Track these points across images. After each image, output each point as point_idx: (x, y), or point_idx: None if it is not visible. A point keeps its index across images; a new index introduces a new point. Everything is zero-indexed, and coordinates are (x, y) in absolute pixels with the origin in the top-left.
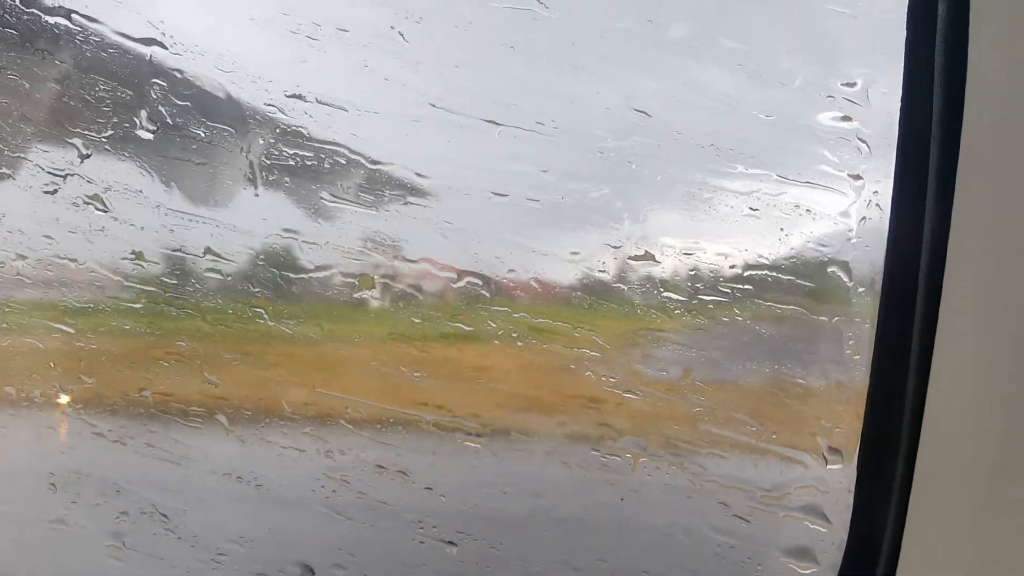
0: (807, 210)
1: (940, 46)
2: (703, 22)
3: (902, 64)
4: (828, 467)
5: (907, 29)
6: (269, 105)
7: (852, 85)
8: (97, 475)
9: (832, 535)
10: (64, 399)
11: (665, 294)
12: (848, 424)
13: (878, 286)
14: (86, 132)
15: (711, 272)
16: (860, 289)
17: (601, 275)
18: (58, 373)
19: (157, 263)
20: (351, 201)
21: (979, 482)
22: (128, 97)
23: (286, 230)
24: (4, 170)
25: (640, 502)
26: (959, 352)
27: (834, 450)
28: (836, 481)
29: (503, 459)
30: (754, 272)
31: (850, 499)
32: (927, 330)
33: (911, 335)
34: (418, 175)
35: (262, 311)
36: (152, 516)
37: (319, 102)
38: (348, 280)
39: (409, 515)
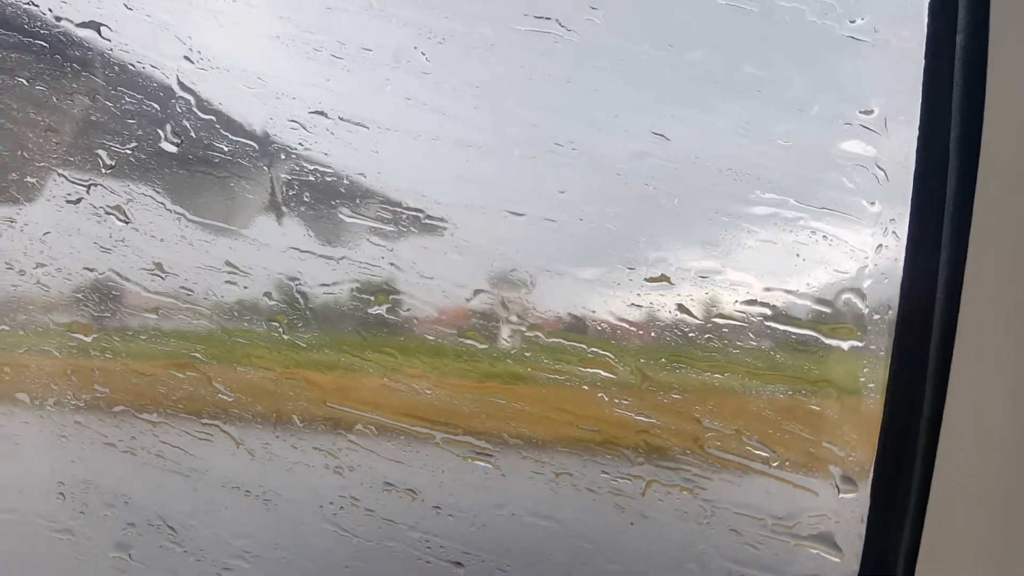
0: (823, 236)
1: (959, 75)
2: (722, 47)
3: (920, 93)
4: (841, 496)
5: (926, 58)
6: (292, 121)
7: (870, 113)
8: (106, 485)
9: (844, 565)
10: (77, 408)
11: (680, 316)
12: (861, 453)
13: (893, 314)
14: (111, 144)
15: (726, 295)
16: (876, 316)
17: (616, 296)
18: (72, 382)
19: (176, 274)
20: (369, 217)
21: (995, 513)
22: (153, 110)
23: (304, 245)
24: (29, 179)
25: (650, 527)
26: (975, 382)
27: (847, 479)
28: (849, 510)
29: (512, 479)
30: (769, 297)
31: (862, 529)
32: (943, 359)
33: (926, 364)
34: (436, 192)
35: (277, 324)
36: (159, 528)
37: (341, 119)
38: (364, 296)
39: (416, 534)
